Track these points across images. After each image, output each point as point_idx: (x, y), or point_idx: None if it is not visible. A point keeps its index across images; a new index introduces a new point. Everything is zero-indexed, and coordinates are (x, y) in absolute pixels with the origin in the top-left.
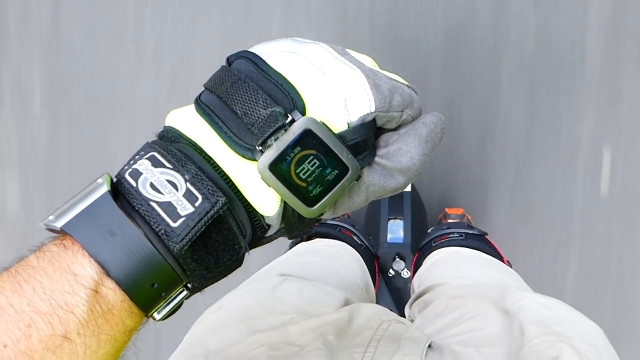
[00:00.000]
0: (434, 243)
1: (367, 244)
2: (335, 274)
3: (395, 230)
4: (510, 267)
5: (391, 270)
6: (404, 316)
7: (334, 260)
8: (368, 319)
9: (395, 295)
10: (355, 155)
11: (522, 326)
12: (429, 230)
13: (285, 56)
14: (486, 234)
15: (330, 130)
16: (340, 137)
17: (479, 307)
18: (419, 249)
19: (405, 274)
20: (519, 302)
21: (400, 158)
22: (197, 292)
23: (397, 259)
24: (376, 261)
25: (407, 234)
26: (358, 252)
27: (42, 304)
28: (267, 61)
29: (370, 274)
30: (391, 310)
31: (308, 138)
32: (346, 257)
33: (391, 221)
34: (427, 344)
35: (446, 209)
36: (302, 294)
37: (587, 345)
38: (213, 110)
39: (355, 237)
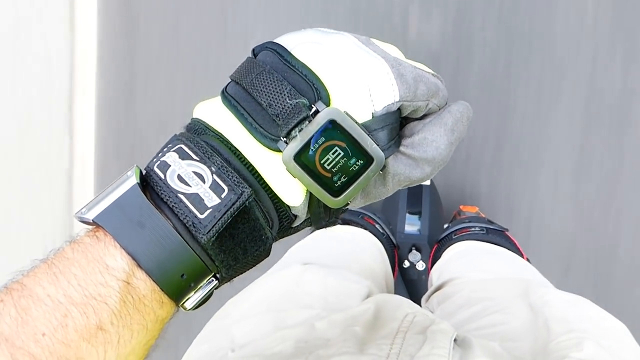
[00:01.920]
0: (455, 235)
1: (388, 232)
2: (356, 261)
3: (413, 222)
4: (529, 263)
5: (406, 262)
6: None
7: (356, 247)
8: (393, 310)
9: (409, 286)
10: (380, 145)
11: (547, 322)
12: (448, 224)
13: (309, 47)
14: (507, 230)
15: (355, 121)
16: (365, 127)
17: (502, 301)
18: (437, 241)
19: (421, 266)
20: (543, 298)
21: (425, 147)
22: (226, 282)
23: (414, 250)
24: (396, 251)
25: (425, 226)
26: (379, 240)
27: (77, 295)
28: (292, 52)
29: (390, 263)
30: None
31: (332, 128)
32: (368, 245)
33: (409, 215)
34: (454, 337)
35: (461, 206)
36: (326, 284)
37: (612, 341)
38: (239, 102)
39: (377, 226)
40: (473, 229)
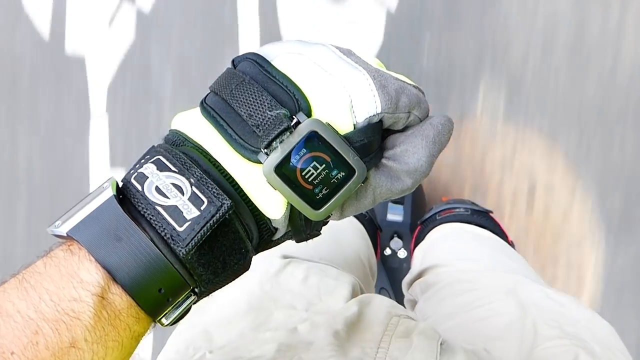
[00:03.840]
0: (439, 216)
1: (370, 215)
2: (339, 251)
3: (395, 211)
4: (513, 246)
5: (388, 249)
6: (400, 295)
7: (338, 233)
8: (377, 312)
9: (390, 274)
10: (362, 157)
11: (536, 324)
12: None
13: (290, 57)
14: (491, 211)
15: (336, 132)
16: (347, 138)
17: (487, 295)
18: (421, 222)
19: (402, 254)
20: (532, 297)
21: (407, 159)
22: (204, 296)
23: (395, 238)
24: (378, 234)
25: (407, 214)
26: (362, 223)
27: (49, 311)
28: (273, 62)
29: (372, 245)
30: (385, 289)
31: (314, 140)
32: (351, 231)
33: (391, 203)
34: (440, 342)
35: (444, 198)
36: (308, 281)
37: (601, 346)
38: (218, 113)
39: None
40: (457, 209)
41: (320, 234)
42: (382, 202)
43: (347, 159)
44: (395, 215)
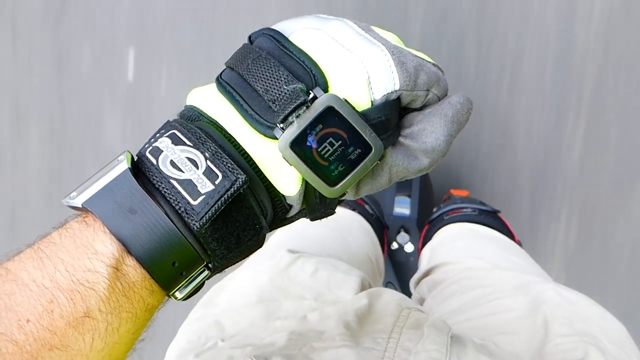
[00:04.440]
0: (446, 216)
1: (377, 213)
2: (346, 247)
3: (402, 205)
4: (521, 246)
5: (395, 243)
6: (407, 289)
7: (346, 232)
8: (388, 305)
9: (397, 269)
10: (379, 135)
11: (546, 321)
12: (440, 205)
13: (308, 33)
14: (499, 211)
15: (353, 108)
16: (364, 115)
17: (496, 291)
18: (428, 222)
19: (409, 248)
20: (543, 294)
21: (424, 139)
22: (218, 272)
23: (402, 232)
24: (385, 232)
25: (414, 208)
26: (368, 221)
27: (64, 280)
28: (290, 38)
29: (380, 244)
30: (392, 283)
31: (330, 116)
32: (357, 229)
33: (398, 197)
34: (450, 334)
35: (451, 190)
36: (318, 274)
37: (613, 344)
38: (234, 88)
39: (367, 206)
40: (465, 209)
41: (335, 212)
42: (390, 196)
43: (363, 135)
44: (402, 208)
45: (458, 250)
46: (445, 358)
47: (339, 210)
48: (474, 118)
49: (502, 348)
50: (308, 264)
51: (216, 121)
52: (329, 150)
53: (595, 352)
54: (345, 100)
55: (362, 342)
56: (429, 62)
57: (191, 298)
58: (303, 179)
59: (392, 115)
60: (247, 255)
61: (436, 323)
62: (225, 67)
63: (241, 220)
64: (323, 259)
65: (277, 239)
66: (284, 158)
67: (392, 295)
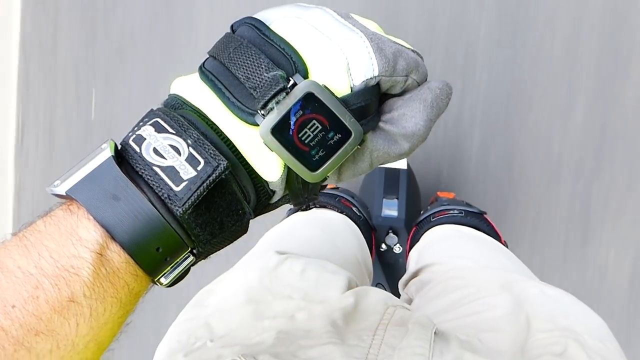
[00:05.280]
0: (433, 218)
1: (365, 216)
2: (335, 250)
3: (390, 207)
4: (507, 247)
5: (383, 245)
6: (396, 290)
7: (334, 235)
8: (374, 303)
9: (386, 270)
10: (359, 120)
11: (529, 318)
12: (427, 207)
13: (288, 21)
14: (485, 213)
15: (333, 94)
16: (344, 101)
17: (481, 290)
18: (416, 224)
19: (398, 249)
20: (526, 292)
21: (404, 123)
22: (202, 258)
23: (391, 234)
24: (373, 233)
25: (402, 209)
26: (356, 224)
27: (49, 267)
28: (271, 26)
29: (368, 246)
30: (381, 284)
31: (310, 101)
32: (345, 232)
33: (386, 199)
34: (434, 330)
35: (438, 193)
36: (306, 274)
37: (594, 339)
38: (216, 77)
39: (354, 209)
40: (452, 211)
41: (318, 197)
42: (378, 198)
43: (343, 120)
44: (390, 210)
45: (445, 251)
46: (428, 353)
47: (327, 212)
48: (465, 121)
49: (486, 344)
50: (296, 264)
51: (199, 109)
52: (309, 135)
53: (575, 346)
54: (325, 87)
55: (348, 339)
56: (408, 48)
57: (177, 285)
58: (285, 164)
59: (372, 101)
60: (232, 241)
61: (420, 320)
62: (208, 55)
63: (224, 205)
64: (311, 260)
65: (266, 241)
66: (265, 144)
67: (378, 294)
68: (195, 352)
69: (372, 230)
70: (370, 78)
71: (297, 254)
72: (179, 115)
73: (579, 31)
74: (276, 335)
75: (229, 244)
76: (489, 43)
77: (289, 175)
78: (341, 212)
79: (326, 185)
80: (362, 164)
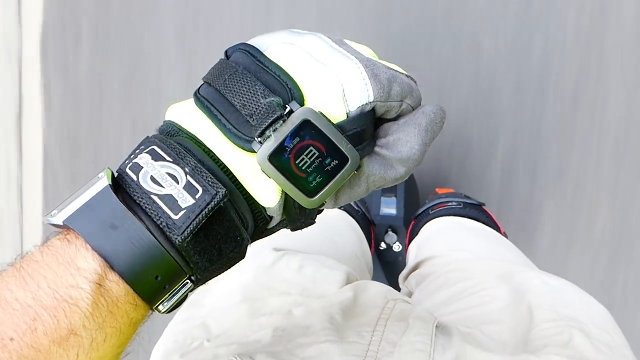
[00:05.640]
0: (432, 211)
1: (363, 210)
2: (333, 245)
3: (389, 205)
4: (506, 237)
5: (383, 244)
6: (396, 289)
7: (332, 230)
8: (373, 297)
9: (386, 268)
10: (355, 146)
11: (531, 308)
12: (426, 201)
13: (283, 47)
14: (484, 204)
15: (329, 121)
16: (339, 127)
17: (482, 282)
18: (414, 217)
19: (397, 247)
20: (527, 283)
21: (400, 148)
22: (201, 284)
23: (390, 232)
24: (372, 228)
25: (400, 207)
26: (355, 218)
27: (47, 298)
28: (265, 53)
29: (367, 241)
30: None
31: (307, 128)
32: (343, 227)
33: (384, 197)
34: (435, 324)
35: (437, 189)
36: (303, 270)
37: (597, 328)
38: (212, 103)
39: (352, 203)
40: (450, 203)
41: (315, 222)
42: (376, 197)
43: (340, 147)
44: (388, 208)
45: (444, 243)
46: (430, 349)
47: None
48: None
49: (489, 337)
50: (293, 260)
51: (195, 136)
52: (306, 162)
53: (580, 336)
54: (321, 113)
55: (347, 336)
56: (402, 73)
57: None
58: (282, 190)
59: (367, 126)
60: (230, 267)
61: (421, 314)
62: (202, 82)
63: (222, 232)
64: (309, 256)
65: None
66: (263, 171)
67: (378, 288)
68: (191, 353)
69: (370, 225)
70: (366, 104)
71: (294, 251)
72: (176, 143)
73: None
74: (273, 333)
75: (227, 269)
76: None
77: (287, 201)
78: (339, 207)
79: (323, 210)
80: (358, 189)
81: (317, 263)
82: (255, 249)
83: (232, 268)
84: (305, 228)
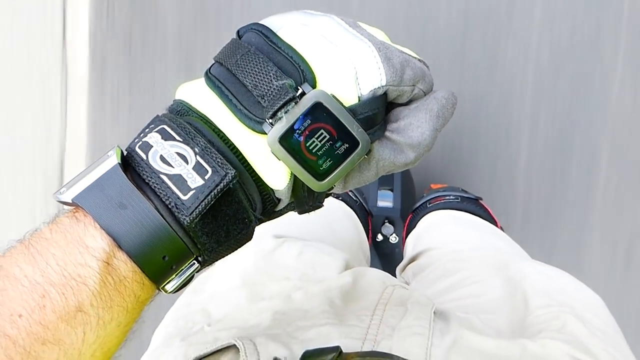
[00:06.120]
0: (429, 204)
1: (360, 200)
2: (332, 234)
3: (385, 197)
4: (503, 231)
5: (380, 235)
6: None
7: (331, 218)
8: (372, 283)
9: (383, 260)
10: (366, 130)
11: (526, 296)
12: (422, 195)
13: (296, 28)
14: (481, 198)
15: (341, 104)
16: (351, 110)
17: (479, 272)
18: (412, 211)
19: (394, 239)
20: (522, 271)
21: (411, 133)
22: (208, 265)
23: (387, 223)
24: (370, 218)
25: (397, 200)
26: (352, 208)
27: (55, 275)
28: (278, 33)
29: (365, 231)
30: None
31: (318, 111)
32: (342, 216)
33: (381, 190)
34: (433, 309)
35: (432, 185)
36: (303, 256)
37: (590, 314)
38: (223, 83)
39: (350, 193)
40: (448, 197)
41: (323, 205)
42: (373, 189)
43: (351, 130)
44: (385, 201)
45: (442, 236)
46: (428, 333)
47: None
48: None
49: (486, 324)
50: (293, 247)
51: (205, 116)
52: (317, 145)
53: (574, 321)
54: (333, 96)
55: (346, 319)
56: (415, 57)
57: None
58: (291, 173)
59: (379, 110)
60: (237, 248)
61: (420, 299)
62: (214, 61)
63: (230, 214)
64: (308, 242)
65: (263, 225)
66: (273, 153)
67: (376, 273)
68: (192, 337)
69: (368, 216)
70: (378, 87)
71: (294, 237)
72: (186, 122)
73: None
74: (272, 317)
75: (234, 251)
76: None
77: (295, 183)
78: (336, 197)
79: (332, 194)
80: (367, 173)
81: (317, 250)
82: (255, 235)
83: (232, 254)
84: (313, 212)
